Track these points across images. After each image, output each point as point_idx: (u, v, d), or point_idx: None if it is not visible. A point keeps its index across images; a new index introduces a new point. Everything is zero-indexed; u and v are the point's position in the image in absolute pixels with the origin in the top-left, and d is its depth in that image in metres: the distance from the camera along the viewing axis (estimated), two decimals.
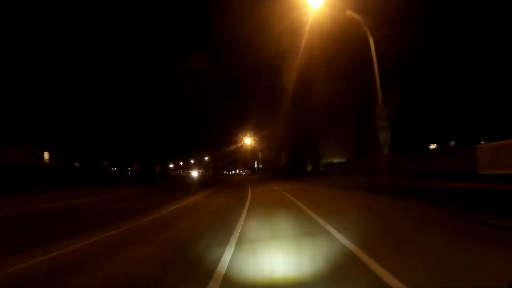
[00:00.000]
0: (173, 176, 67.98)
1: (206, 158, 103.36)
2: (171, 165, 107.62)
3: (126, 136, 46.81)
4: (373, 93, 14.14)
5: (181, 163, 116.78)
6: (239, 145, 57.45)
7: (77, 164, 42.74)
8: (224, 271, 3.63)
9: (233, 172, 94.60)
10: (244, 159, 73.23)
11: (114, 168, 57.21)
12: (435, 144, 28.34)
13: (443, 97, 26.82)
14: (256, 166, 71.90)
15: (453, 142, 26.78)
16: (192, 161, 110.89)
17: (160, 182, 33.91)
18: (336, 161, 40.22)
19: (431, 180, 12.05)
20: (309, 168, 51.27)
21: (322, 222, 6.43)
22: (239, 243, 4.99)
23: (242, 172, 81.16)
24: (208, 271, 3.63)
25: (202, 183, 33.03)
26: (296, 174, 44.81)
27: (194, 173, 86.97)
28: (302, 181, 23.23)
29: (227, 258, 4.13)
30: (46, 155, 36.90)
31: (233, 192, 16.86)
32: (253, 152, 65.62)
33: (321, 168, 47.55)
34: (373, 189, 12.76)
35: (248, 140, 55.66)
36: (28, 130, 37.14)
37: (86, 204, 14.24)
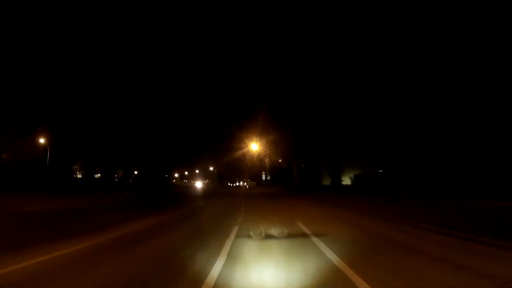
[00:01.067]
0: (173, 187, 59.75)
1: (211, 168, 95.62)
2: (176, 175, 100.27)
3: (111, 137, 38.33)
4: None
5: (186, 173, 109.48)
6: (244, 151, 48.60)
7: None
8: None
9: (237, 184, 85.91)
10: (250, 169, 64.34)
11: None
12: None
13: None
14: (263, 178, 62.92)
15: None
16: (197, 171, 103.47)
17: (129, 194, 25.09)
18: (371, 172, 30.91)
19: None
20: (326, 182, 41.79)
21: None
22: None
23: (246, 185, 71.88)
24: None
25: (182, 199, 24.31)
26: (312, 189, 35.84)
27: (199, 184, 78.95)
28: (339, 205, 14.17)
29: None
30: None
31: (182, 245, 6.31)
32: (260, 161, 56.79)
33: (343, 182, 38.24)
34: None
35: (254, 146, 46.74)
36: None
37: None
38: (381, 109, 26.00)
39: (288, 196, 24.23)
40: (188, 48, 50.43)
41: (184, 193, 36.16)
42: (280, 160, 52.58)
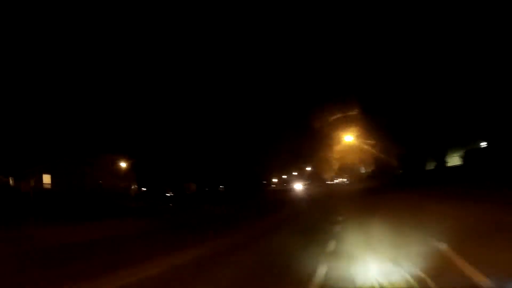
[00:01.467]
0: (267, 193, 60.12)
1: (308, 168, 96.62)
2: (275, 180, 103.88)
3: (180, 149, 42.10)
4: None
5: (284, 177, 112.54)
6: (338, 145, 47.90)
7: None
8: None
9: (334, 181, 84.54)
10: (346, 163, 62.60)
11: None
12: None
13: None
14: (362, 171, 59.87)
15: None
16: (295, 173, 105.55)
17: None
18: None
19: None
20: (429, 166, 37.59)
21: None
22: None
23: (344, 181, 69.63)
24: None
25: (272, 206, 23.65)
26: (417, 177, 31.72)
27: (298, 186, 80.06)
28: (481, 200, 9.65)
29: None
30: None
31: None
32: (356, 154, 54.54)
33: (448, 164, 33.64)
34: None
35: (348, 138, 45.13)
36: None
37: None
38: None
39: (393, 191, 20.13)
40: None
41: (276, 200, 35.65)
42: (377, 149, 49.98)
